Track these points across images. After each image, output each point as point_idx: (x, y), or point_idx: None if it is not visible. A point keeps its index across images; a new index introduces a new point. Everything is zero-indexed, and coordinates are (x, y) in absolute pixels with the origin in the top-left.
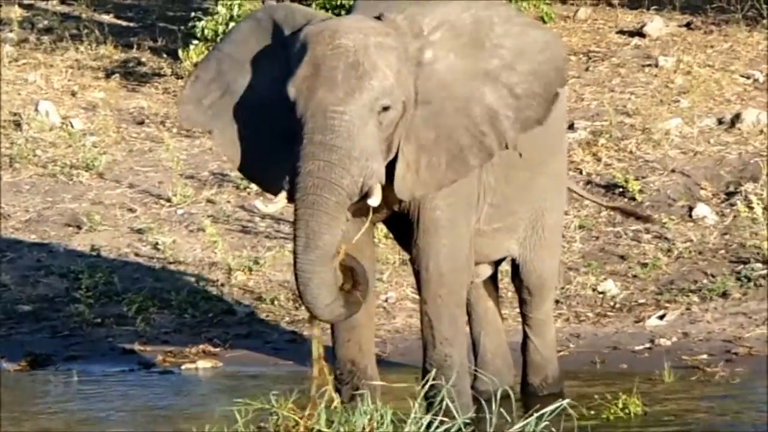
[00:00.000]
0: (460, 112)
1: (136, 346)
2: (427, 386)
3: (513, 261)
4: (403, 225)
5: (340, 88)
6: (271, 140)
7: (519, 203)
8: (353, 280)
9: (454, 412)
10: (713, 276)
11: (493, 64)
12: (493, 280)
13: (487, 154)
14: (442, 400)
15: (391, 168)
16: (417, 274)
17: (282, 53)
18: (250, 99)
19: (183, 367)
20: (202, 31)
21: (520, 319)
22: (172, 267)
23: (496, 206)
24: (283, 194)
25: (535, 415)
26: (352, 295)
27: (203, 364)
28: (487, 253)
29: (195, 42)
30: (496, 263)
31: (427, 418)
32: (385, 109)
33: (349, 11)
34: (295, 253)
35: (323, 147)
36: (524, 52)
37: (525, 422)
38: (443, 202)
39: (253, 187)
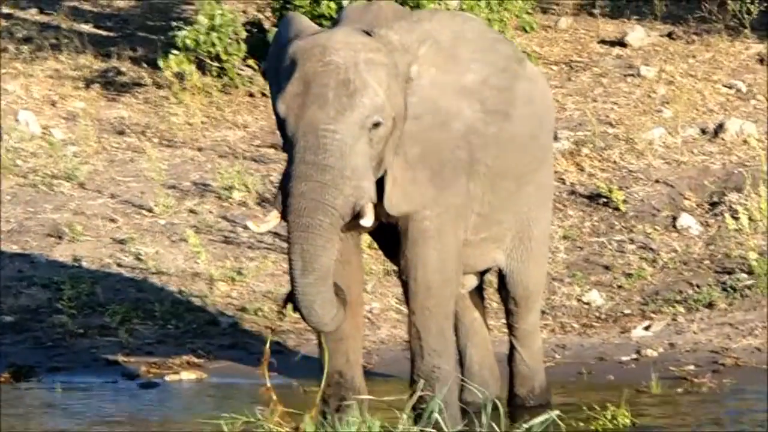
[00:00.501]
0: (442, 127)
1: (120, 357)
2: (415, 398)
3: (499, 271)
4: (390, 235)
5: (331, 106)
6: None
7: (505, 213)
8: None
9: (443, 424)
10: (698, 286)
11: (469, 79)
12: (479, 291)
13: (459, 167)
14: (431, 412)
15: (380, 183)
16: (405, 285)
17: (277, 66)
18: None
19: (167, 378)
20: (183, 40)
21: (505, 330)
22: (154, 278)
23: (483, 216)
24: (275, 213)
25: (524, 426)
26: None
27: (187, 375)
28: (474, 264)
29: (175, 52)
30: (482, 274)
31: (416, 429)
32: (376, 126)
33: (334, 23)
34: (292, 277)
35: (315, 167)
36: (492, 68)
37: None
38: (432, 213)
39: (235, 197)
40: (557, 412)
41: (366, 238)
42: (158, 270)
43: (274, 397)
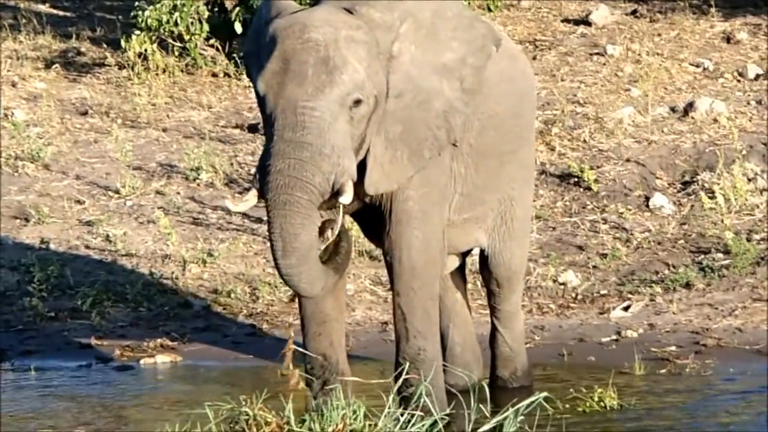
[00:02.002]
0: (422, 105)
1: (93, 341)
2: (401, 380)
3: (481, 252)
4: (373, 217)
5: (310, 83)
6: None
7: (488, 192)
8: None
9: (431, 406)
10: (674, 266)
11: (448, 57)
12: (460, 272)
13: (437, 146)
14: (419, 396)
15: (362, 163)
16: (389, 266)
17: (258, 46)
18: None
19: (142, 361)
20: (146, 20)
21: (483, 311)
22: (124, 260)
23: (466, 195)
24: (253, 192)
25: (512, 409)
26: (335, 259)
27: (162, 358)
28: (457, 244)
29: (138, 32)
30: (464, 254)
31: (405, 413)
32: (357, 103)
33: (316, 1)
34: (275, 257)
35: (294, 144)
36: (470, 47)
37: (503, 416)
38: (416, 193)
39: (203, 178)
40: (545, 393)
41: None
42: (127, 252)
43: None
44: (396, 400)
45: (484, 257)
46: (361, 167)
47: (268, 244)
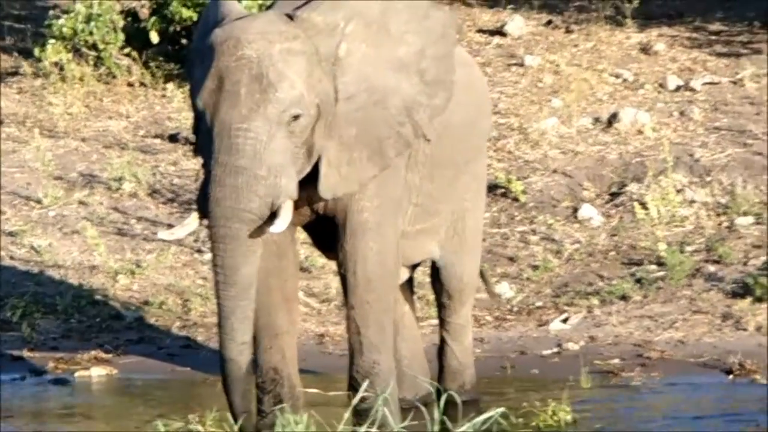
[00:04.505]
0: (378, 104)
1: (25, 353)
2: (359, 395)
3: (433, 264)
4: (327, 228)
5: (243, 104)
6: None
7: (443, 203)
8: None
9: (390, 420)
10: (608, 278)
11: (403, 51)
12: (409, 284)
13: (403, 144)
14: (376, 410)
15: (315, 170)
16: (343, 278)
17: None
18: (194, 100)
19: (77, 374)
20: (60, 29)
21: (423, 324)
22: (51, 271)
23: (421, 206)
24: (194, 215)
25: (468, 423)
26: None
27: (97, 371)
28: (410, 256)
29: (53, 41)
30: (414, 266)
31: (363, 428)
32: (296, 117)
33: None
34: (216, 288)
35: (228, 169)
36: (429, 38)
37: (461, 430)
38: (371, 204)
39: (126, 188)
40: (503, 408)
41: None
42: (54, 263)
43: None
44: (351, 413)
45: (435, 269)
46: (314, 175)
47: (196, 255)
